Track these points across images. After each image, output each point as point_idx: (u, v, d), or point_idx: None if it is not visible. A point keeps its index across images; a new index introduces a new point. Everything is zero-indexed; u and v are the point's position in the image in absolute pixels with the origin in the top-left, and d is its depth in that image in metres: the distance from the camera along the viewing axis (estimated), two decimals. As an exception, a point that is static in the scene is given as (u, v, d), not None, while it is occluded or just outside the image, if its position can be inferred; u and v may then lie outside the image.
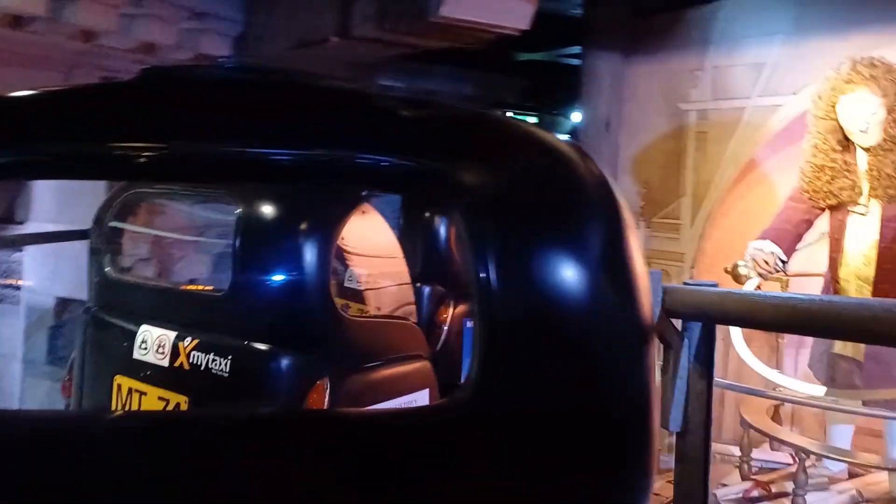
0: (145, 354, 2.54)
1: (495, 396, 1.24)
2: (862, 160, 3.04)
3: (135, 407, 2.47)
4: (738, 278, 3.78)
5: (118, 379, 2.58)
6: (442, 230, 3.68)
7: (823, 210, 3.30)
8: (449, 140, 1.36)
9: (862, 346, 3.16)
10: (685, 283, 2.48)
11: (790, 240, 3.24)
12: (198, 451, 1.20)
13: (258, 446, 1.20)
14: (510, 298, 1.24)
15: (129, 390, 2.54)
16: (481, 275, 1.23)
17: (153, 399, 2.47)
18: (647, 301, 1.39)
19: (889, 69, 2.94)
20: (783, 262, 3.17)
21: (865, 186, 3.05)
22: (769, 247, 3.17)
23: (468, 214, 1.29)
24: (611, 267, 1.31)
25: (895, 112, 2.91)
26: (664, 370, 2.32)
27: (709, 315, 2.28)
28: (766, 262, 3.17)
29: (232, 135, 1.28)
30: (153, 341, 2.53)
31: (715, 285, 2.45)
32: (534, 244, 1.26)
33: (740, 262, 3.86)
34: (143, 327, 2.58)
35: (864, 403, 3.05)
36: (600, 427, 1.32)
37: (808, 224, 3.31)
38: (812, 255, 4.00)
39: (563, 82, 7.77)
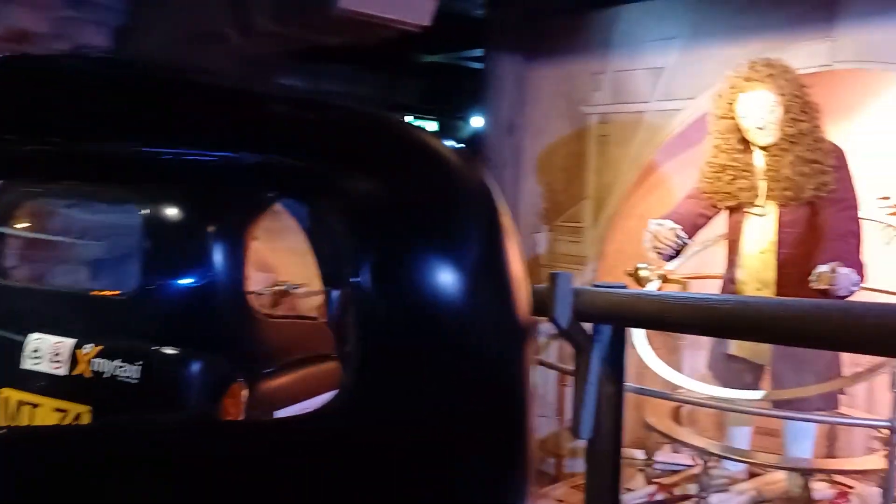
0: (38, 364, 2.41)
1: (372, 400, 1.25)
2: (760, 160, 3.10)
3: (26, 421, 2.36)
4: (639, 280, 3.80)
5: (5, 392, 2.44)
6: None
7: (719, 210, 3.35)
8: (330, 141, 1.35)
9: (761, 347, 3.22)
10: (595, 286, 2.41)
11: (688, 227, 3.26)
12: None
13: (142, 456, 1.16)
14: (384, 303, 1.26)
15: (19, 403, 2.40)
16: (356, 278, 1.24)
17: (48, 411, 2.35)
18: (524, 303, 1.41)
19: (786, 69, 3.01)
20: (683, 242, 3.16)
21: (763, 187, 3.11)
22: (670, 224, 3.17)
23: (344, 217, 1.29)
24: (486, 271, 1.35)
25: (792, 112, 2.97)
26: (575, 375, 2.24)
27: (621, 317, 2.22)
28: (667, 238, 3.16)
29: (91, 130, 1.20)
30: (47, 350, 2.41)
31: (625, 287, 2.40)
32: (408, 249, 1.28)
33: (641, 265, 3.89)
34: (35, 335, 2.45)
35: (774, 404, 3.11)
36: (476, 428, 1.34)
37: (705, 218, 3.35)
38: (708, 257, 4.08)
39: (464, 85, 7.75)
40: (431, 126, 9.27)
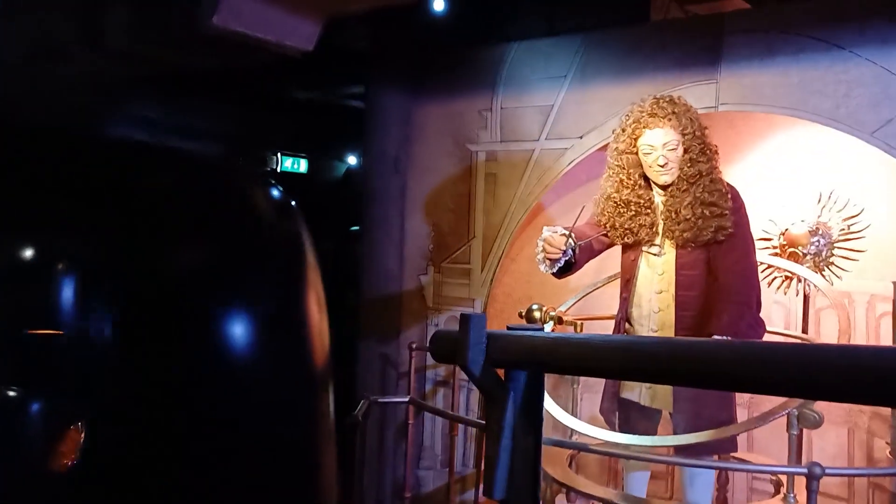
0: None
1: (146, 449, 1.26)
2: (659, 199, 3.08)
3: None
4: (533, 322, 3.69)
5: None
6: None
7: (614, 244, 3.30)
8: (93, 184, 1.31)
9: (662, 392, 3.15)
10: (509, 329, 2.23)
11: (583, 248, 3.15)
12: None
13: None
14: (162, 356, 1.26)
15: None
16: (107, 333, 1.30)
17: None
18: (321, 353, 1.39)
19: (688, 108, 3.01)
20: (574, 248, 3.04)
21: (661, 227, 3.09)
22: (561, 229, 3.04)
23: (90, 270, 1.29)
24: (278, 325, 1.36)
25: (692, 152, 2.96)
26: (487, 428, 2.06)
27: (540, 362, 2.05)
28: (557, 243, 2.99)
29: None
30: None
31: (542, 330, 2.24)
32: (192, 302, 1.27)
33: (534, 306, 3.79)
34: None
35: (676, 450, 3.04)
36: (264, 478, 1.32)
37: (601, 245, 3.25)
38: (594, 300, 4.05)
39: (340, 122, 7.55)
40: (302, 165, 8.97)
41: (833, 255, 3.56)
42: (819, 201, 3.73)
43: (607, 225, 3.22)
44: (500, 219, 4.36)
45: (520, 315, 3.86)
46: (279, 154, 8.61)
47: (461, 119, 4.51)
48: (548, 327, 3.74)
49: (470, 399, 4.42)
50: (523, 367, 2.02)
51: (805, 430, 3.17)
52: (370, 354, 4.72)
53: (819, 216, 3.70)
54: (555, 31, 4.13)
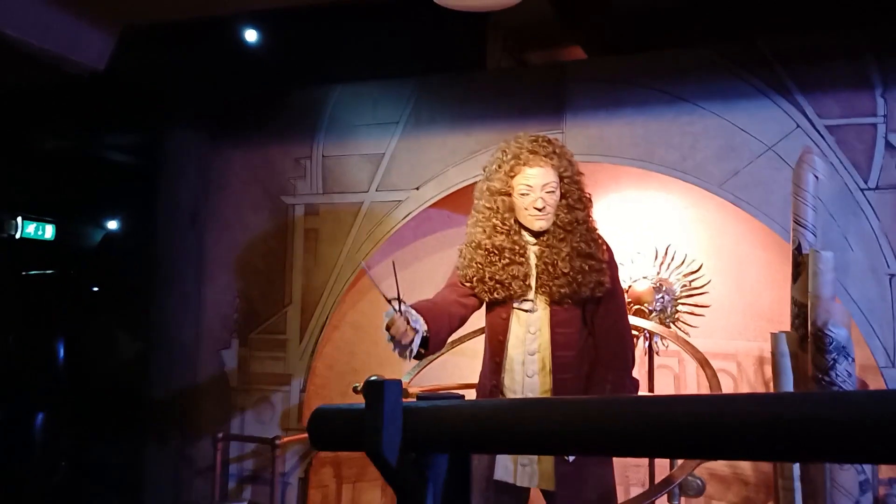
0: None
1: None
2: (532, 249, 2.83)
3: None
4: None
5: None
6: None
7: (480, 303, 2.99)
8: None
9: (544, 469, 2.84)
10: (421, 397, 1.80)
11: (440, 319, 2.78)
12: None
13: None
14: None
15: None
16: None
17: None
18: None
19: (565, 151, 2.80)
20: (415, 329, 2.62)
21: (533, 280, 2.82)
22: (403, 307, 2.61)
23: None
24: None
25: (569, 197, 2.73)
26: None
27: (471, 441, 1.64)
28: (399, 327, 2.56)
29: None
30: None
31: (462, 398, 1.84)
32: None
33: (372, 378, 3.34)
34: None
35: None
36: None
37: (464, 309, 2.92)
38: (446, 366, 3.72)
39: (99, 177, 6.63)
40: (47, 231, 7.78)
41: (678, 311, 3.54)
42: (656, 258, 3.74)
43: (474, 279, 2.90)
44: (322, 280, 3.89)
45: (355, 390, 3.40)
46: (19, 218, 7.38)
47: (273, 168, 4.03)
48: (392, 402, 3.31)
49: (287, 496, 3.80)
50: (448, 447, 1.60)
51: (687, 501, 3.02)
52: (158, 451, 3.94)
53: (658, 273, 3.69)
54: (383, 74, 3.84)
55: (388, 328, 2.54)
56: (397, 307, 2.44)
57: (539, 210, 2.67)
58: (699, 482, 2.77)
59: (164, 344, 3.97)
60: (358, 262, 3.84)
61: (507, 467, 2.86)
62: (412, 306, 2.63)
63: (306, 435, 3.57)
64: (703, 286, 3.58)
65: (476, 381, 3.05)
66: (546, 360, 2.79)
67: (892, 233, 2.97)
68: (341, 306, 3.89)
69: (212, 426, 3.96)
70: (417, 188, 3.76)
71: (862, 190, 3.05)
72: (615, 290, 2.76)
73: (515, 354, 2.85)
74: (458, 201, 3.83)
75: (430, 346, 2.69)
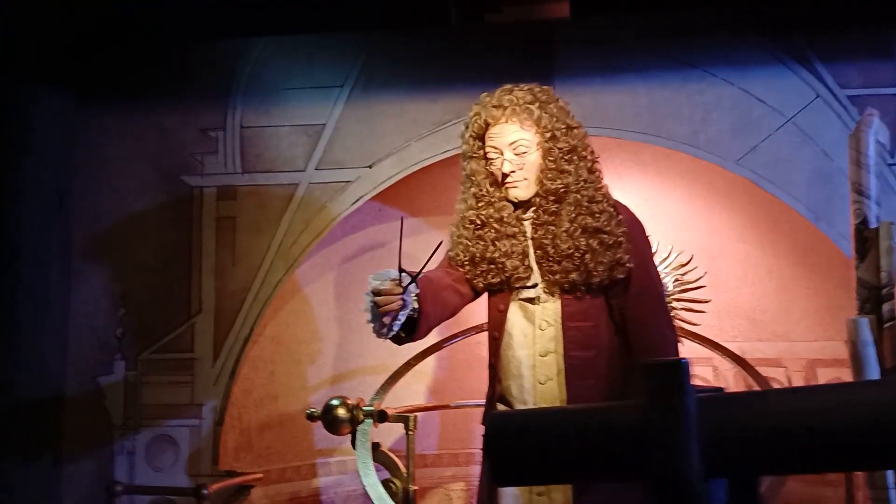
0: None
1: None
2: (528, 225, 2.31)
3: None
4: (335, 424, 2.56)
5: None
6: None
7: (476, 294, 2.42)
8: None
9: (558, 497, 2.28)
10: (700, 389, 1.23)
11: (430, 304, 2.22)
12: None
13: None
14: None
15: None
16: None
17: None
18: None
19: (552, 100, 2.30)
20: (412, 297, 2.08)
21: (534, 262, 2.29)
22: (392, 273, 2.06)
23: None
24: None
25: (554, 159, 2.22)
26: None
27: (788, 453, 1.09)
28: (391, 292, 2.03)
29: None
30: None
31: (722, 390, 1.32)
32: None
33: (334, 401, 2.65)
34: None
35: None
36: None
37: (457, 296, 2.37)
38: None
39: None
40: None
41: (674, 309, 3.16)
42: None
43: (465, 261, 2.33)
44: (244, 282, 3.10)
45: (310, 418, 2.67)
46: None
47: (171, 140, 3.20)
48: (365, 428, 2.62)
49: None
50: (756, 467, 1.06)
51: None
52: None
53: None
54: (321, 26, 3.16)
55: (375, 293, 2.03)
56: (399, 274, 1.99)
57: (506, 175, 2.18)
58: None
59: (17, 368, 2.96)
60: (294, 256, 3.09)
61: (517, 496, 2.29)
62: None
63: (241, 479, 2.73)
64: (697, 279, 3.23)
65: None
66: (559, 362, 2.26)
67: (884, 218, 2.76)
68: (273, 312, 3.12)
69: (76, 475, 3.00)
70: (371, 166, 3.10)
71: (889, 165, 2.84)
72: (645, 270, 2.28)
73: (523, 356, 2.30)
74: (391, 193, 3.23)
75: (418, 332, 2.17)
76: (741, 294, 3.46)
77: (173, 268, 3.15)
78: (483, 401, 2.63)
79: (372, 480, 2.44)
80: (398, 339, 2.18)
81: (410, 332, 2.16)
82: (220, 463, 3.01)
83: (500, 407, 2.37)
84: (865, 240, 2.47)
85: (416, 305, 2.10)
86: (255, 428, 3.23)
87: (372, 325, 2.10)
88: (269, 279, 3.10)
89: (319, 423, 2.71)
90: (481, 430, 3.52)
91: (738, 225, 3.37)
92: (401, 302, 2.03)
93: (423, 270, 2.07)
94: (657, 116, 2.99)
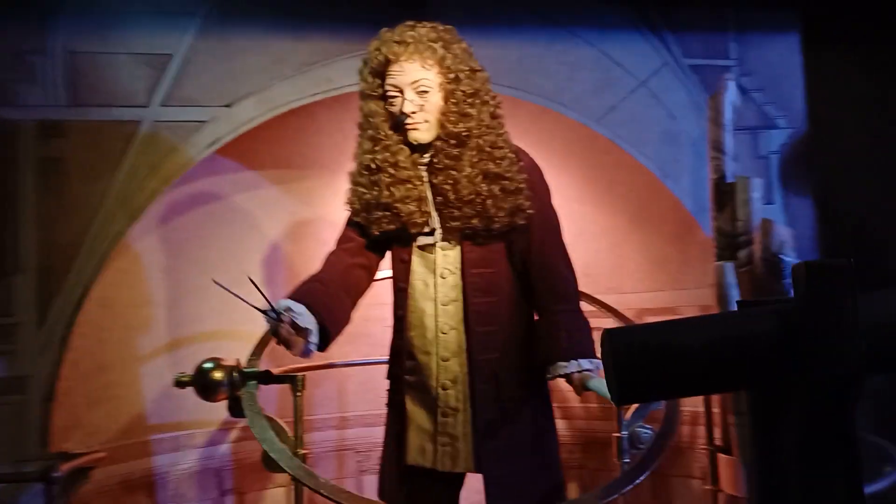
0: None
1: None
2: (424, 170, 2.27)
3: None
4: (214, 391, 2.36)
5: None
6: None
7: (382, 254, 2.36)
8: None
9: (462, 448, 2.28)
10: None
11: (336, 291, 2.22)
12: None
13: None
14: None
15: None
16: None
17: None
18: None
19: (455, 40, 2.27)
20: (303, 325, 2.10)
21: (432, 209, 2.27)
22: (284, 304, 2.11)
23: None
24: None
25: (457, 101, 2.20)
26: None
27: None
28: (286, 330, 2.07)
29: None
30: None
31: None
32: None
33: (208, 364, 2.44)
34: None
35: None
36: None
37: (363, 271, 2.34)
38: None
39: None
40: None
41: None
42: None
43: (359, 210, 2.26)
44: (75, 235, 2.67)
45: (180, 384, 2.39)
46: None
47: (-25, 63, 2.65)
48: (250, 391, 2.40)
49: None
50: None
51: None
52: None
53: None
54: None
55: (274, 337, 2.11)
56: (274, 315, 2.03)
57: (407, 115, 2.15)
58: (649, 432, 2.52)
59: None
60: (137, 206, 2.72)
61: (424, 449, 2.27)
62: (297, 295, 2.14)
63: (87, 458, 2.39)
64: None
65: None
66: (459, 309, 2.26)
67: (746, 172, 3.10)
68: (110, 271, 2.73)
69: None
70: (229, 105, 2.81)
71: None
72: (546, 216, 2.34)
73: (425, 305, 2.27)
74: (251, 147, 3.00)
75: (332, 336, 2.20)
76: (577, 251, 3.66)
77: (-17, 216, 2.62)
78: (379, 357, 2.56)
79: (270, 436, 2.23)
80: (323, 349, 2.20)
81: (326, 339, 2.18)
82: (53, 444, 2.58)
83: (409, 363, 2.30)
84: (723, 193, 2.72)
85: (316, 325, 2.11)
86: (83, 403, 2.81)
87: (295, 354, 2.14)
88: (106, 231, 2.70)
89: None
90: (373, 388, 3.43)
91: (578, 184, 3.55)
92: (302, 337, 2.08)
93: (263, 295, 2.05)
94: (526, 72, 3.04)
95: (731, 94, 2.73)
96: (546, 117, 3.13)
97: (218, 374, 2.38)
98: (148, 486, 3.10)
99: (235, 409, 2.41)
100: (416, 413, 2.29)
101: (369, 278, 2.34)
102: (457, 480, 2.34)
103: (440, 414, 2.25)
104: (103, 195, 2.70)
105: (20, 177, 2.65)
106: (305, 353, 2.12)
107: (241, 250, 3.42)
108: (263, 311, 2.03)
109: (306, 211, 3.58)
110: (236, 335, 3.38)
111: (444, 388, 2.25)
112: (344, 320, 2.24)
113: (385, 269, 2.40)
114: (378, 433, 3.76)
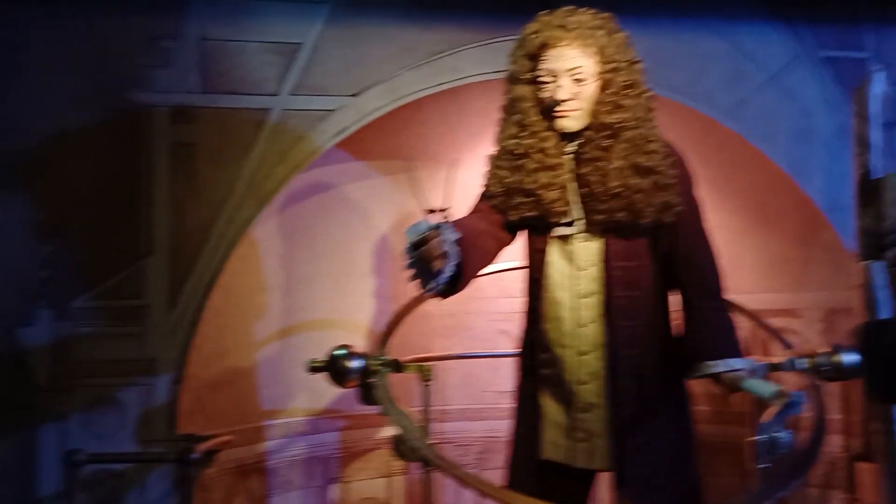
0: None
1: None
2: (569, 159, 2.20)
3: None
4: (343, 378, 2.34)
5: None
6: None
7: (512, 236, 2.29)
8: None
9: (599, 444, 2.21)
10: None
11: (474, 252, 2.08)
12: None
13: None
14: None
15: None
16: None
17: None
18: None
19: (616, 29, 2.19)
20: (453, 249, 1.92)
21: (577, 200, 2.20)
22: (426, 224, 1.86)
23: None
24: None
25: (614, 91, 2.13)
26: None
27: None
28: (435, 243, 1.85)
29: None
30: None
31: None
32: None
33: (339, 351, 2.42)
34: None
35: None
36: None
37: (493, 242, 2.25)
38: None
39: None
40: None
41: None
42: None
43: (498, 193, 2.19)
44: (206, 219, 2.70)
45: (314, 369, 2.39)
46: None
47: (110, 47, 2.70)
48: (383, 381, 2.38)
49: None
50: None
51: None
52: None
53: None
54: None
55: (415, 246, 1.84)
56: (436, 222, 1.80)
57: (561, 102, 2.07)
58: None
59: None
60: (267, 192, 2.74)
61: (558, 444, 2.21)
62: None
63: (217, 441, 2.40)
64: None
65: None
66: (599, 302, 2.19)
67: (890, 170, 2.97)
68: (242, 254, 2.76)
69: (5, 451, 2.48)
70: (356, 95, 2.80)
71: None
72: (691, 210, 2.25)
73: (562, 297, 2.20)
74: (362, 145, 3.00)
75: (462, 281, 2.02)
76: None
77: (116, 198, 2.67)
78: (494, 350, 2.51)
79: (409, 423, 2.20)
80: (443, 293, 1.99)
81: (452, 283, 1.98)
82: (181, 426, 2.61)
83: (543, 356, 2.25)
84: (868, 190, 2.61)
85: (456, 262, 1.90)
86: (206, 387, 2.85)
87: (418, 281, 1.90)
88: (237, 216, 2.72)
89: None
90: (495, 382, 3.39)
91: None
92: (443, 258, 1.85)
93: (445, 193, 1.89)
94: (655, 65, 2.95)
95: (877, 86, 2.61)
96: (667, 109, 3.05)
97: (350, 362, 2.38)
98: (260, 471, 3.13)
99: (366, 397, 2.40)
100: (551, 407, 2.24)
101: (495, 254, 2.26)
102: (590, 477, 2.29)
103: (577, 409, 2.20)
104: (233, 181, 2.72)
105: (155, 161, 2.69)
106: (435, 286, 1.93)
107: (350, 240, 3.43)
108: (430, 211, 1.82)
109: (412, 203, 3.57)
110: (345, 325, 3.41)
111: (582, 383, 2.19)
112: (468, 281, 2.13)
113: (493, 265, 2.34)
114: (477, 428, 3.77)
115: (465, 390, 3.59)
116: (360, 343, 3.37)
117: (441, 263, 1.86)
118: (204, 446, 2.37)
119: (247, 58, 2.77)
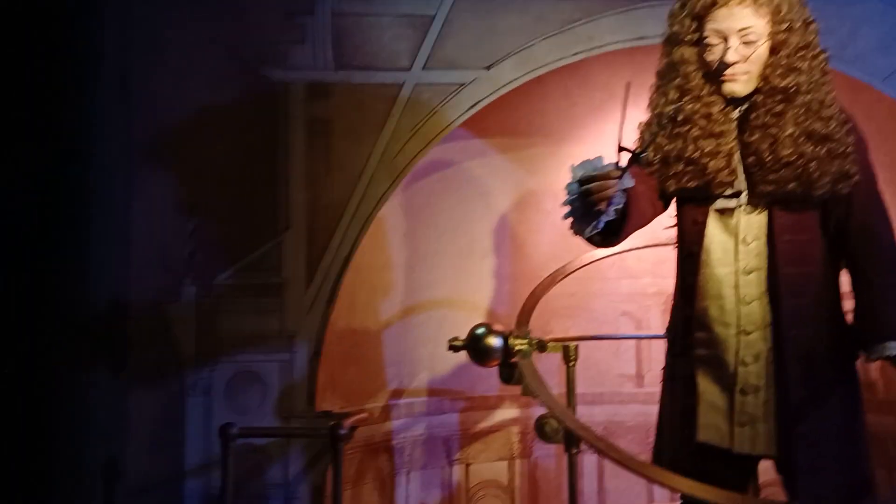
0: None
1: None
2: (733, 126, 2.08)
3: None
4: (487, 358, 2.28)
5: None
6: None
7: (666, 205, 2.18)
8: None
9: (761, 429, 2.10)
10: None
11: (635, 207, 1.96)
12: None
13: None
14: None
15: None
16: None
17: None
18: None
19: None
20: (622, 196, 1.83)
21: (740, 168, 2.08)
22: (598, 162, 1.79)
23: None
24: None
25: (787, 53, 2.00)
26: None
27: None
28: (606, 180, 1.77)
29: None
30: None
31: None
32: None
33: (480, 330, 2.37)
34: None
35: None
36: None
37: (651, 207, 2.13)
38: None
39: None
40: None
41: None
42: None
43: (657, 161, 2.07)
44: (342, 195, 2.70)
45: (455, 348, 2.36)
46: None
47: (249, 25, 2.73)
48: (529, 360, 2.33)
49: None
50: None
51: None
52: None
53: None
54: None
55: (581, 183, 1.76)
56: (620, 161, 1.71)
57: (729, 65, 1.94)
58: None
59: (71, 291, 2.44)
60: (399, 167, 2.72)
61: (720, 427, 2.09)
62: None
63: (357, 417, 2.39)
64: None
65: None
66: (763, 279, 2.06)
67: None
68: (377, 229, 2.76)
69: (152, 424, 2.55)
70: (489, 67, 2.76)
71: None
72: (867, 179, 2.11)
73: (723, 274, 2.08)
74: (486, 123, 2.94)
75: (623, 232, 1.93)
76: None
77: (254, 175, 2.70)
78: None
79: (559, 404, 2.16)
80: (600, 239, 1.90)
81: (608, 234, 1.88)
82: (318, 402, 2.63)
83: (700, 335, 2.16)
84: None
85: (620, 205, 1.79)
86: (338, 364, 2.86)
87: (572, 219, 1.82)
88: (370, 192, 2.71)
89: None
90: (616, 366, 3.32)
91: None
92: (612, 194, 1.75)
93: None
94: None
95: None
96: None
97: (492, 340, 2.34)
98: (387, 449, 3.13)
99: (508, 376, 2.37)
100: (708, 388, 2.14)
101: (650, 219, 2.15)
102: (750, 464, 2.19)
103: (739, 392, 2.10)
104: (368, 157, 2.71)
105: (291, 136, 2.71)
106: (593, 229, 1.85)
107: (469, 218, 3.39)
108: (623, 149, 1.74)
109: (531, 181, 3.51)
110: (465, 304, 3.38)
111: (745, 364, 2.09)
112: (630, 231, 1.99)
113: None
114: (598, 412, 3.70)
115: (586, 373, 3.51)
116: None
117: (605, 206, 1.77)
118: (349, 422, 2.37)
119: (379, 32, 2.75)
